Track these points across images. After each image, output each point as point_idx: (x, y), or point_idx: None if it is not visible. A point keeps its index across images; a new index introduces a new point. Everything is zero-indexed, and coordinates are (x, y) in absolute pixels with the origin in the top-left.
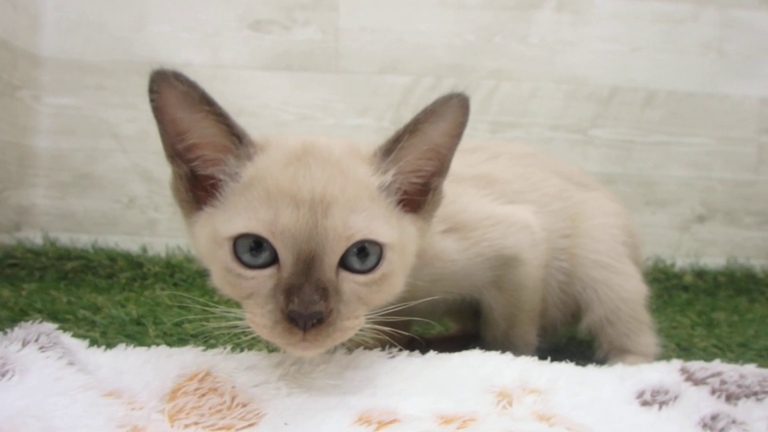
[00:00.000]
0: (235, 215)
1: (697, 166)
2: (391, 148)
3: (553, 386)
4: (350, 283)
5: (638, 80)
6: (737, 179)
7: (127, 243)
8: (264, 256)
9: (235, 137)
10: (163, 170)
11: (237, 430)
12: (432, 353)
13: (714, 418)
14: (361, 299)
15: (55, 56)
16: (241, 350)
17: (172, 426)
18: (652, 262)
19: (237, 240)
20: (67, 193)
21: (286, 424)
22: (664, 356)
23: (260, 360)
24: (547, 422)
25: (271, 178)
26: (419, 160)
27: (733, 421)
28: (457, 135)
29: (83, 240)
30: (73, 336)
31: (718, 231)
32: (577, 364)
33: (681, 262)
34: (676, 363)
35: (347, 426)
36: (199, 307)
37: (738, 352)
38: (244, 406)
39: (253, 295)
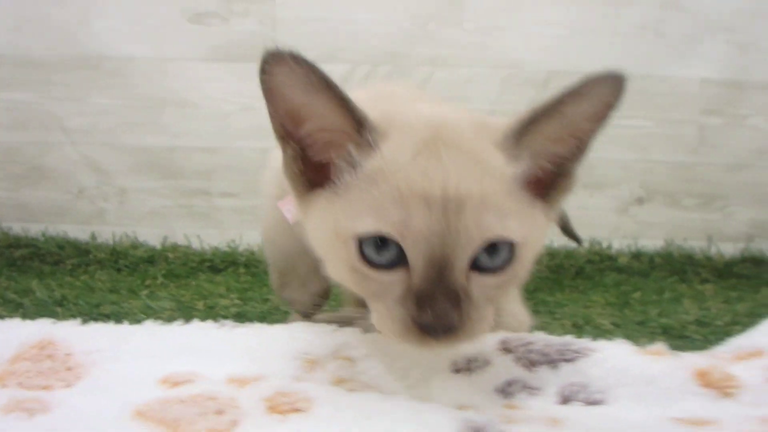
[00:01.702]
0: (362, 212)
1: (636, 149)
2: (525, 131)
3: (369, 355)
4: (480, 286)
5: (575, 63)
6: (677, 161)
7: (77, 232)
8: (389, 255)
9: (357, 122)
10: (110, 161)
11: (53, 389)
12: (258, 325)
13: (510, 383)
14: (489, 300)
15: (4, 52)
16: None
17: None
18: (588, 244)
19: (362, 238)
20: (20, 184)
21: (98, 387)
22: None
23: (99, 331)
24: (338, 384)
25: (401, 173)
26: (555, 145)
27: (525, 386)
28: (602, 118)
29: (35, 229)
30: None
31: (658, 213)
32: None
33: (619, 244)
34: (501, 335)
35: (149, 386)
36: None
37: (631, 329)
38: (69, 369)
39: (380, 297)
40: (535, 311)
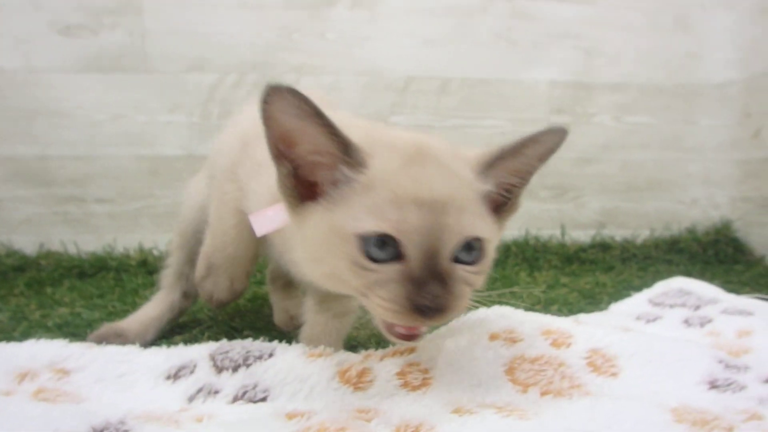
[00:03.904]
0: (363, 215)
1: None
2: (494, 163)
3: (87, 366)
4: (461, 272)
5: (433, 70)
6: None
7: None
8: (388, 251)
9: (343, 145)
10: None
11: None
12: None
13: (200, 389)
14: (468, 284)
15: None
16: None
17: None
18: None
19: (364, 237)
20: None
21: None
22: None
23: None
24: (37, 395)
25: (394, 180)
26: (510, 176)
27: (210, 391)
28: (546, 159)
29: None
30: None
31: None
32: None
33: None
34: (212, 345)
35: None
36: None
37: None
38: None
39: (378, 283)
40: None
